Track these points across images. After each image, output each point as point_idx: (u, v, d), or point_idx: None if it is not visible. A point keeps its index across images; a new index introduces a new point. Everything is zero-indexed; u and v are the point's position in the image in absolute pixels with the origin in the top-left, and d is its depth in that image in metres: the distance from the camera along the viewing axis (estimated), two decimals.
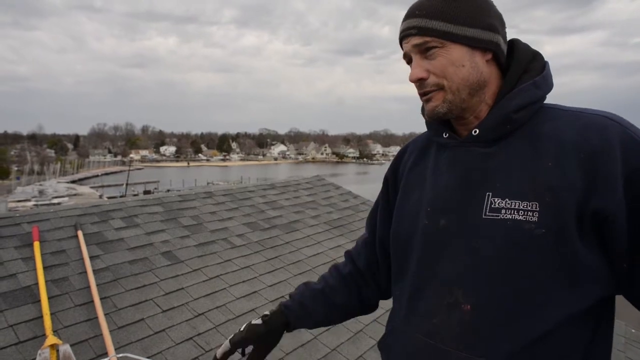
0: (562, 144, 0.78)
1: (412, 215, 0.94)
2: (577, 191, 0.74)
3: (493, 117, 0.85)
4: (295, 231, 3.60)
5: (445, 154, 0.93)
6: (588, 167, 0.74)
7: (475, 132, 0.86)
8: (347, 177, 68.10)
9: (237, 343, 1.04)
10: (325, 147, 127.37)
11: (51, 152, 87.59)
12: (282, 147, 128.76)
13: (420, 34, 0.84)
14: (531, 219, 0.76)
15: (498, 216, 0.79)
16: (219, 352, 1.05)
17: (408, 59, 0.90)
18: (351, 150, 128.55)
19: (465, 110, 0.87)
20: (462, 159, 0.88)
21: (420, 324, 0.89)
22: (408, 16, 0.87)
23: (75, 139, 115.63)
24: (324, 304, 1.12)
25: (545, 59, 0.88)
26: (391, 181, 1.07)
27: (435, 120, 0.91)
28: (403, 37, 0.88)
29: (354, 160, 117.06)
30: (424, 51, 0.85)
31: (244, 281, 2.70)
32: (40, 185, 46.98)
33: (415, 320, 0.91)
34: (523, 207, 0.77)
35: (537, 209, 0.76)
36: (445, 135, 0.92)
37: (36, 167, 64.64)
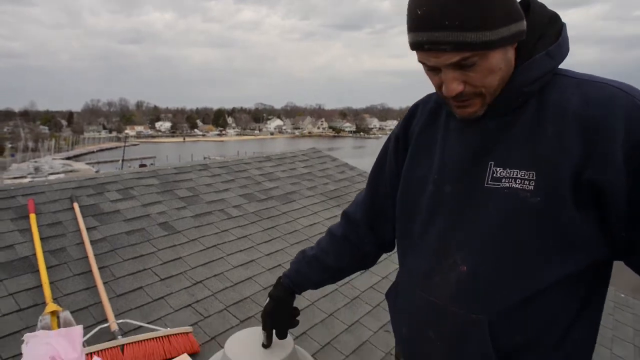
0: (565, 112, 0.76)
1: (421, 180, 0.96)
2: (575, 161, 0.74)
3: (507, 91, 0.81)
4: (292, 202, 3.61)
5: (454, 122, 0.91)
6: (588, 137, 0.73)
7: None
8: (344, 151, 67.95)
9: (265, 324, 1.20)
10: (322, 122, 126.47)
11: (45, 129, 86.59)
12: (278, 122, 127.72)
13: (456, 49, 0.73)
14: (527, 187, 0.77)
15: (498, 185, 0.81)
16: (265, 342, 1.22)
17: (430, 68, 0.81)
18: (348, 124, 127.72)
19: None
20: (470, 129, 0.87)
21: (422, 282, 0.94)
22: (433, 27, 0.73)
23: (69, 116, 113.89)
24: (317, 268, 1.21)
25: (562, 21, 0.82)
26: (402, 141, 1.05)
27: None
28: (428, 50, 0.76)
29: (350, 135, 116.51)
30: (460, 64, 0.76)
31: (241, 250, 2.73)
32: (36, 162, 46.72)
33: (417, 278, 0.95)
34: (520, 175, 0.78)
35: (534, 178, 0.77)
36: None
37: (30, 144, 64.08)
